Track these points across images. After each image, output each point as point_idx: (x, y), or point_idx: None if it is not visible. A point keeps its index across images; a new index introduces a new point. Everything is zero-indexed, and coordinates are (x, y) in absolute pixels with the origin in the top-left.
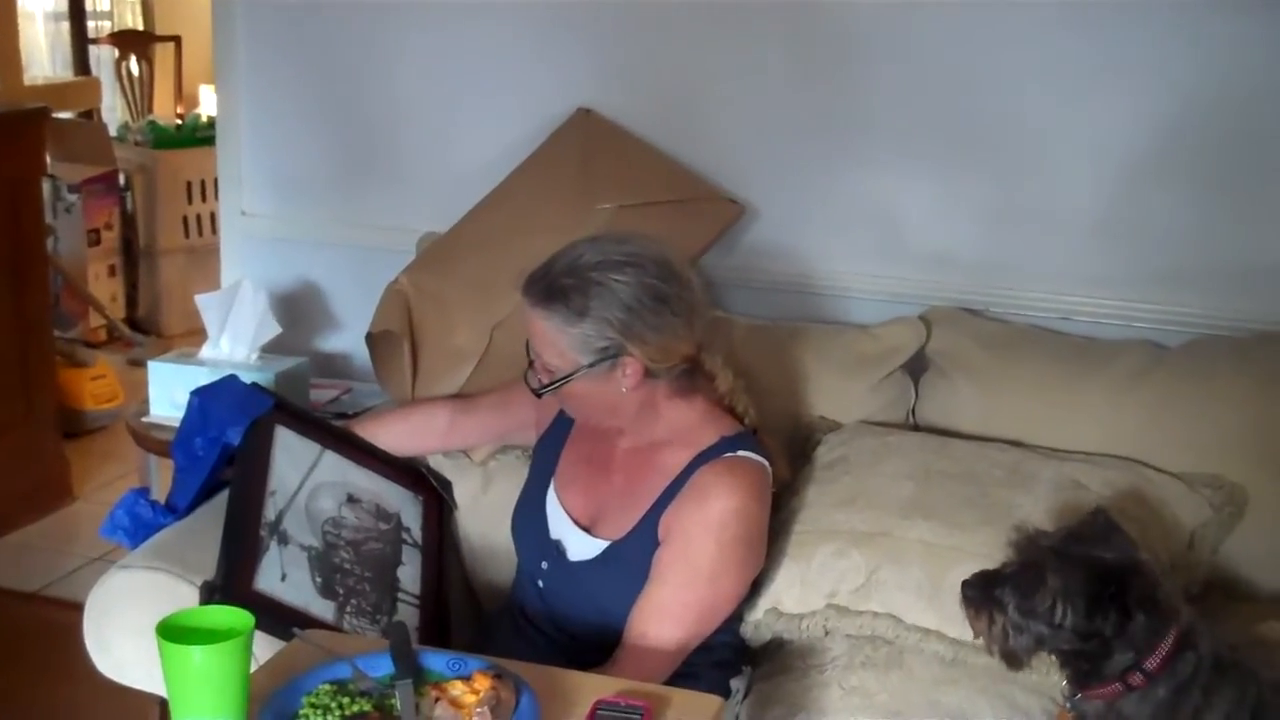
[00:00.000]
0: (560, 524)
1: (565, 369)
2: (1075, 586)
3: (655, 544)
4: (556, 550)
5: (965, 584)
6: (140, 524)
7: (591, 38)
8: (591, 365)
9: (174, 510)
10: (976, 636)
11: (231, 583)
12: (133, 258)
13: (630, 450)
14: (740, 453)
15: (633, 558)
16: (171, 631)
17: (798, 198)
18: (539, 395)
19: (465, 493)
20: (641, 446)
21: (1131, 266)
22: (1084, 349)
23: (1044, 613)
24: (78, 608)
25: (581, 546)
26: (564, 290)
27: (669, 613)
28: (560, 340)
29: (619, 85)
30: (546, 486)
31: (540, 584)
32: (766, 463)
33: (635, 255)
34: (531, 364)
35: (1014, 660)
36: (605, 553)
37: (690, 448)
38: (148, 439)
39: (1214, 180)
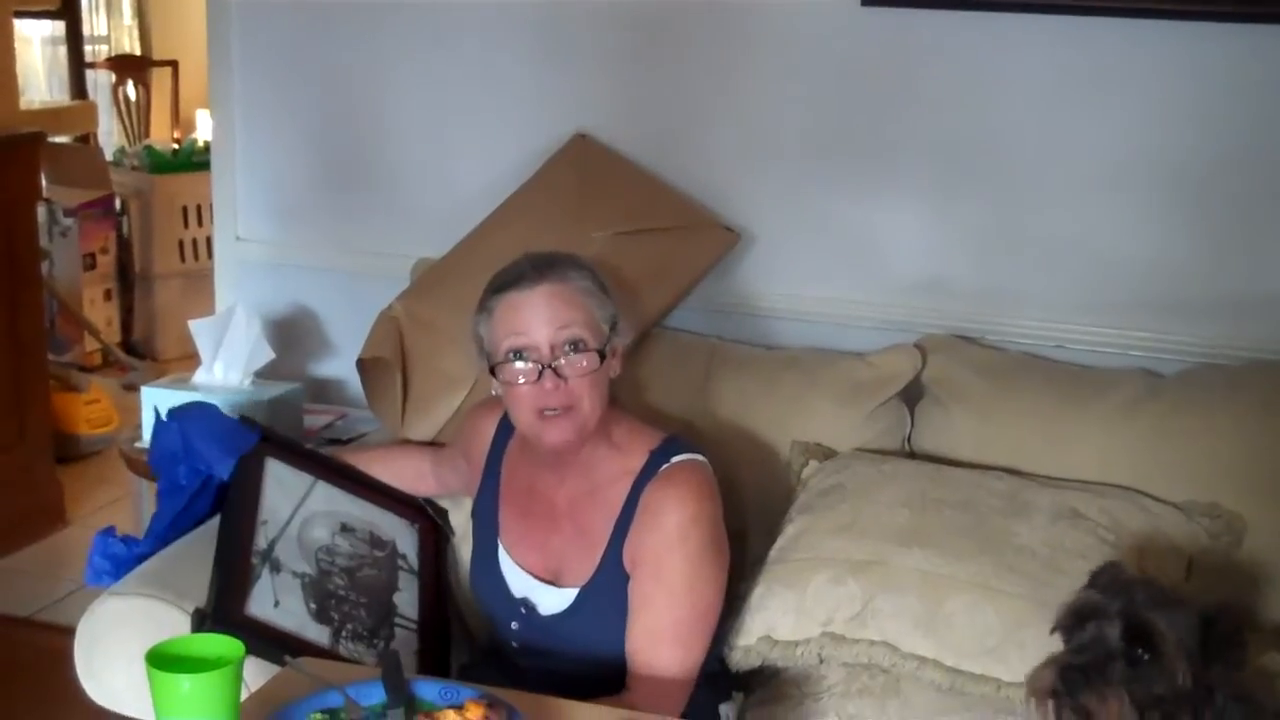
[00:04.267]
0: (522, 582)
1: (597, 342)
2: (1189, 634)
3: (624, 577)
4: (525, 608)
5: (1063, 678)
6: (119, 562)
7: (588, 63)
8: (610, 332)
9: (152, 533)
10: None
11: (222, 608)
12: (128, 282)
13: (570, 498)
14: (675, 459)
15: (606, 597)
16: (161, 659)
17: (793, 224)
18: (598, 361)
19: (458, 522)
20: (579, 493)
21: (1127, 294)
22: (1080, 377)
23: (1165, 674)
24: (70, 633)
25: (551, 600)
26: (569, 261)
27: (665, 636)
28: (594, 308)
29: (616, 110)
30: (495, 549)
31: (514, 644)
32: (702, 456)
33: (570, 255)
34: (545, 368)
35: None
36: (577, 600)
37: (627, 474)
38: (140, 464)
39: (1210, 209)
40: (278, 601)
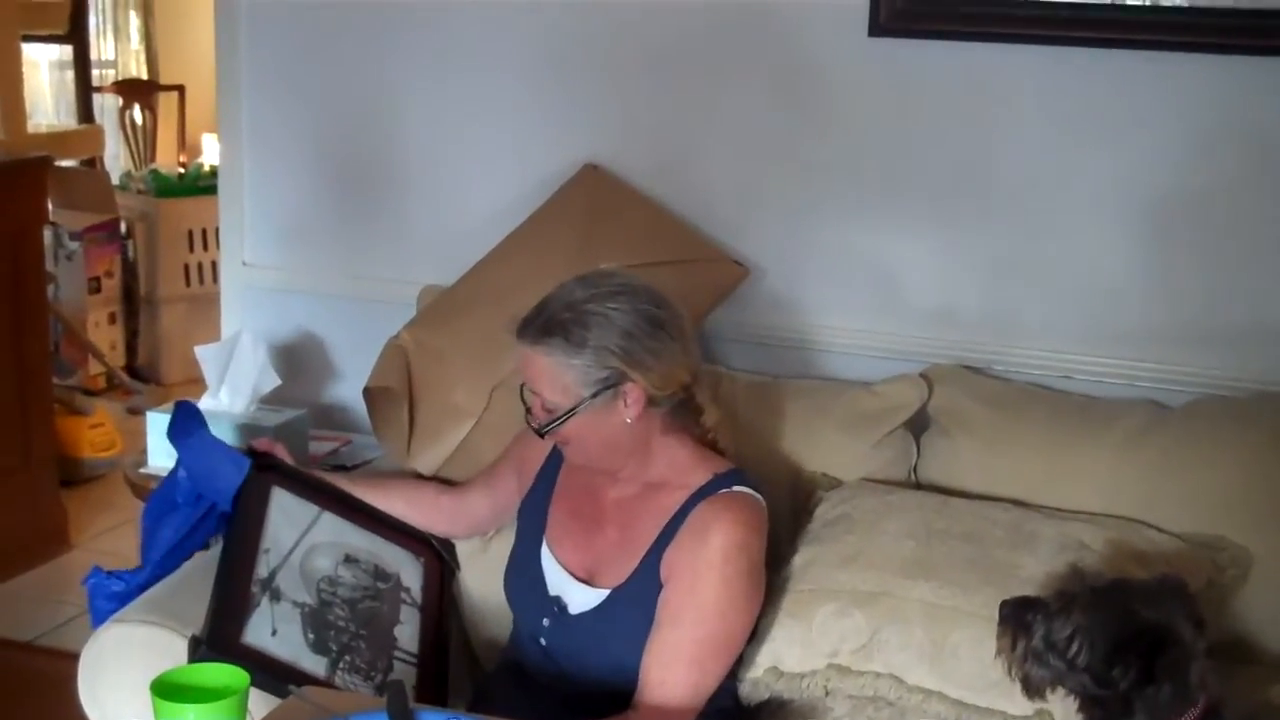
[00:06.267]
0: (559, 579)
1: (567, 404)
2: (1099, 629)
3: (658, 586)
4: (557, 606)
5: (1004, 603)
6: (122, 598)
7: (599, 94)
8: (594, 396)
9: (149, 560)
10: (998, 654)
11: (217, 635)
12: (133, 306)
13: (619, 500)
14: (736, 488)
15: (636, 602)
16: (166, 689)
17: (800, 254)
18: (541, 435)
19: (465, 550)
20: (631, 495)
21: (1134, 325)
22: (1086, 408)
23: (1063, 647)
24: (73, 657)
25: (582, 598)
26: (562, 324)
27: (684, 654)
28: (561, 375)
29: (626, 141)
30: (539, 545)
31: (543, 641)
32: (762, 498)
33: (625, 285)
34: (529, 410)
35: (1031, 688)
36: (607, 600)
37: (684, 488)
38: (145, 490)
39: (1217, 239)
40: (275, 630)
